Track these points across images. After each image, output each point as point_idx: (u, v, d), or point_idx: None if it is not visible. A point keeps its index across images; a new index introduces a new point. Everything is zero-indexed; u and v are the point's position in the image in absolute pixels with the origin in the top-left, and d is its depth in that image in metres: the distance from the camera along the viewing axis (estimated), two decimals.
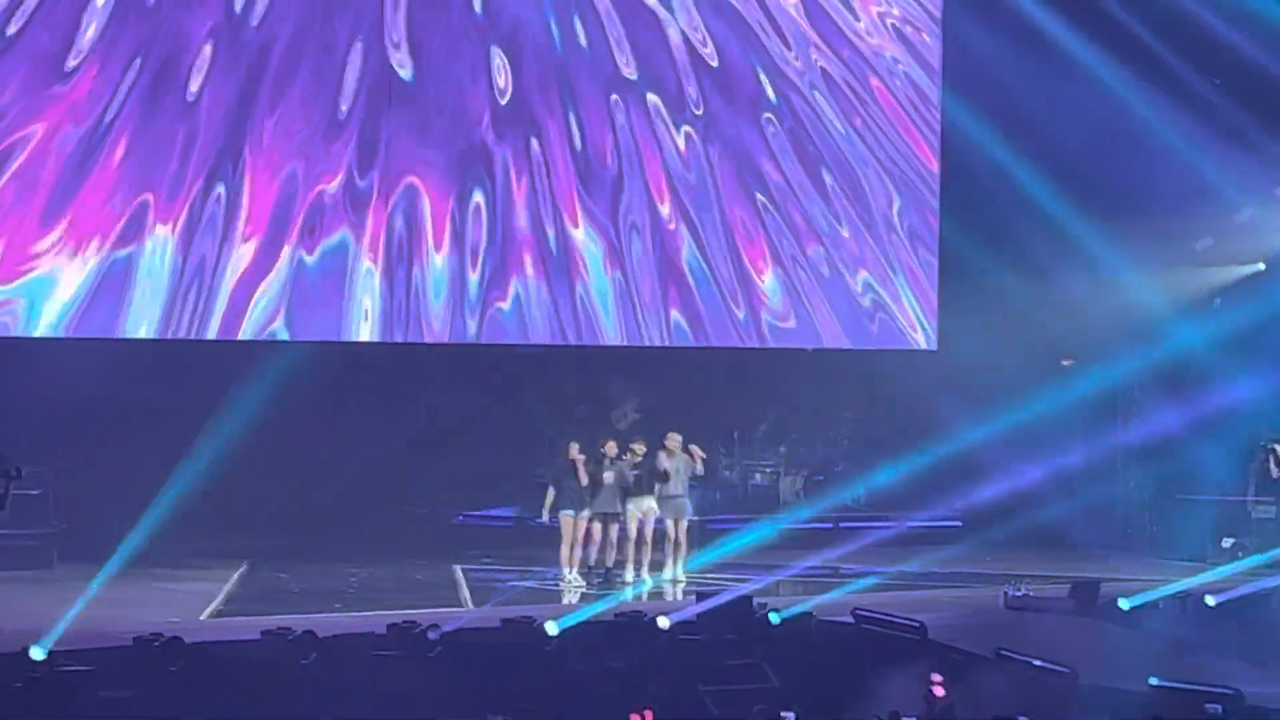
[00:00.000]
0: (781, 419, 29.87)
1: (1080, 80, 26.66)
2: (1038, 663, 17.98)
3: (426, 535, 24.80)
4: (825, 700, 17.24)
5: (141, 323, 24.42)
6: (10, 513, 23.09)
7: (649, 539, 23.64)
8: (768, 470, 29.88)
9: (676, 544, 23.79)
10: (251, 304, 24.83)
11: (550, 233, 26.11)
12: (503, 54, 25.88)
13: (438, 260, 25.61)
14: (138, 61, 24.35)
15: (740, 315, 26.96)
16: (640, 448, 23.63)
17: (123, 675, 17.27)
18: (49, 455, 24.27)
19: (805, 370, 28.62)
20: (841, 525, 27.19)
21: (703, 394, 27.54)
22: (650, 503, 23.55)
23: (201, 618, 20.38)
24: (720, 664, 19.38)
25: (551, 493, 23.34)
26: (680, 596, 22.64)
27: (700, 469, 24.03)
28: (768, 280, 27.10)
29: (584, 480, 23.20)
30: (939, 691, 15.70)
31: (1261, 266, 28.10)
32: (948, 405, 27.05)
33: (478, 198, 25.83)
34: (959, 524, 27.77)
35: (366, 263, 25.26)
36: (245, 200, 24.79)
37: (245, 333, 24.79)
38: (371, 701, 17.04)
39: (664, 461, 23.58)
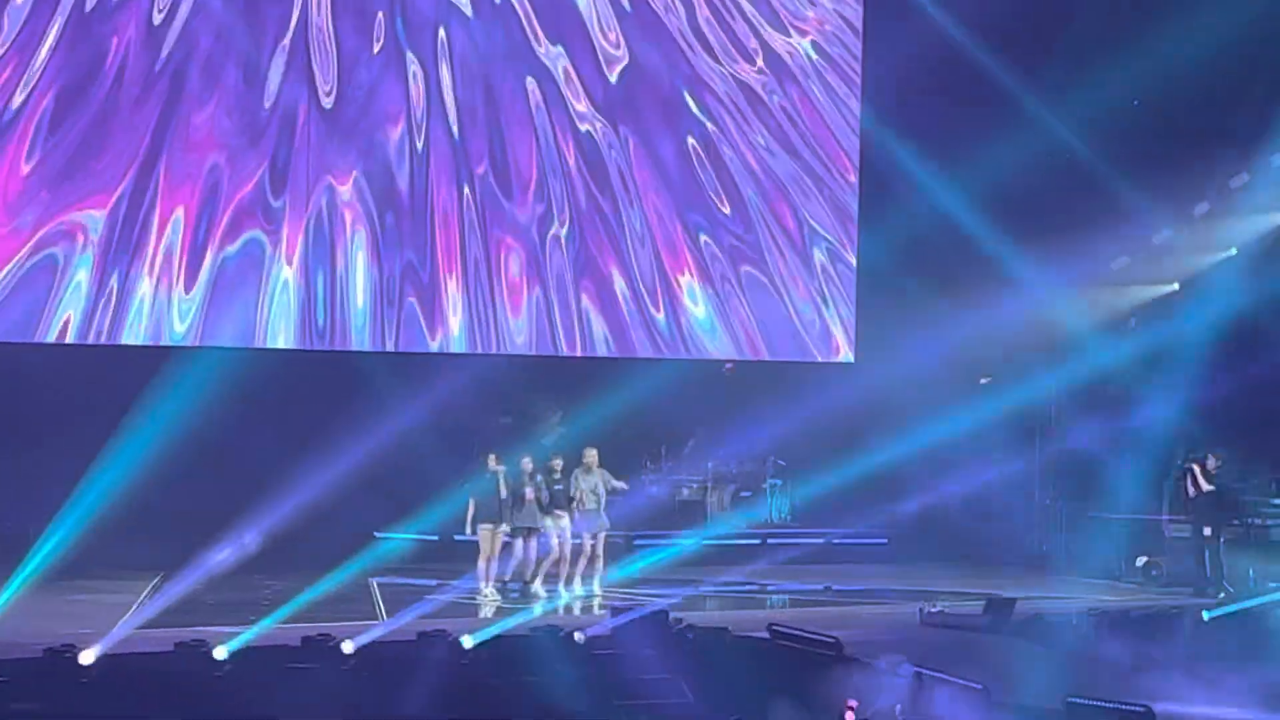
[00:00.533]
0: (708, 434, 29.86)
1: (1000, 99, 26.81)
2: (953, 679, 18.03)
3: (343, 547, 24.63)
4: (740, 715, 17.24)
5: (60, 326, 24.26)
6: None
7: (567, 554, 23.63)
8: (695, 485, 29.85)
9: (593, 559, 23.79)
10: (169, 308, 24.72)
11: (473, 240, 26.07)
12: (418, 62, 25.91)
13: (359, 266, 25.56)
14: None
15: (661, 325, 26.99)
16: (558, 463, 23.63)
17: (33, 688, 17.13)
18: None
19: (730, 385, 28.65)
20: (768, 541, 27.21)
21: (630, 408, 27.49)
22: (566, 519, 23.53)
23: (114, 629, 20.21)
24: (636, 678, 19.38)
25: (472, 506, 23.27)
26: (597, 611, 22.62)
27: (621, 484, 24.01)
28: (688, 291, 27.14)
29: (504, 494, 23.14)
30: (851, 709, 15.74)
31: (1176, 287, 28.31)
32: (867, 422, 27.15)
33: (401, 202, 25.85)
34: (884, 540, 27.84)
35: (285, 268, 25.16)
36: (162, 206, 24.68)
37: (162, 337, 24.68)
38: (285, 714, 16.94)
39: (581, 477, 23.57)
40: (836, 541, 27.73)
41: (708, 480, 29.69)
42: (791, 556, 26.91)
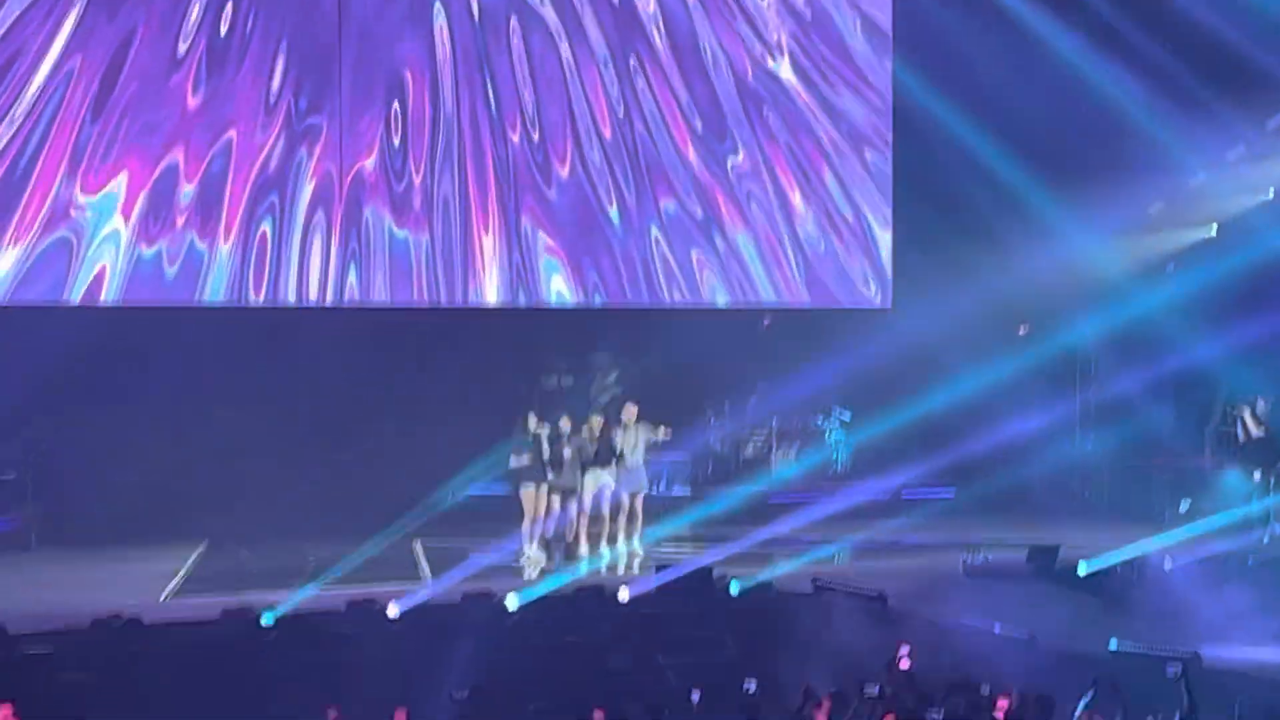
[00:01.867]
0: (771, 388, 29.61)
1: (1034, 44, 26.67)
2: (997, 628, 18.07)
3: (387, 511, 24.69)
4: (786, 670, 17.27)
5: (97, 287, 24.40)
6: None
7: (606, 513, 23.63)
8: (759, 440, 29.58)
9: (633, 517, 23.80)
10: (215, 271, 24.83)
11: (508, 191, 26.11)
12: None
13: (396, 225, 25.62)
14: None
15: (698, 273, 26.96)
16: (598, 421, 23.62)
17: (82, 657, 17.26)
18: (23, 436, 24.22)
19: (781, 337, 28.46)
20: (829, 495, 27.11)
21: (690, 362, 27.40)
22: (607, 476, 23.52)
23: (161, 598, 20.34)
24: (680, 636, 19.44)
25: (515, 464, 23.28)
26: (639, 569, 22.65)
27: (662, 436, 23.96)
28: (730, 239, 27.10)
29: (545, 453, 23.16)
30: (905, 664, 15.76)
31: (1213, 231, 28.18)
32: (906, 372, 27.10)
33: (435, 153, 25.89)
34: (950, 494, 27.70)
35: (312, 223, 25.28)
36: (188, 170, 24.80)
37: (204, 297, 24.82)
38: (332, 678, 17.04)
39: (620, 435, 23.56)
40: (905, 496, 27.63)
41: (772, 435, 29.40)
42: (845, 510, 26.89)
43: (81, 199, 24.31)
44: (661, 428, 23.80)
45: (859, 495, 26.76)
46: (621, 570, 22.81)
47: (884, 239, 27.78)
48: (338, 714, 14.27)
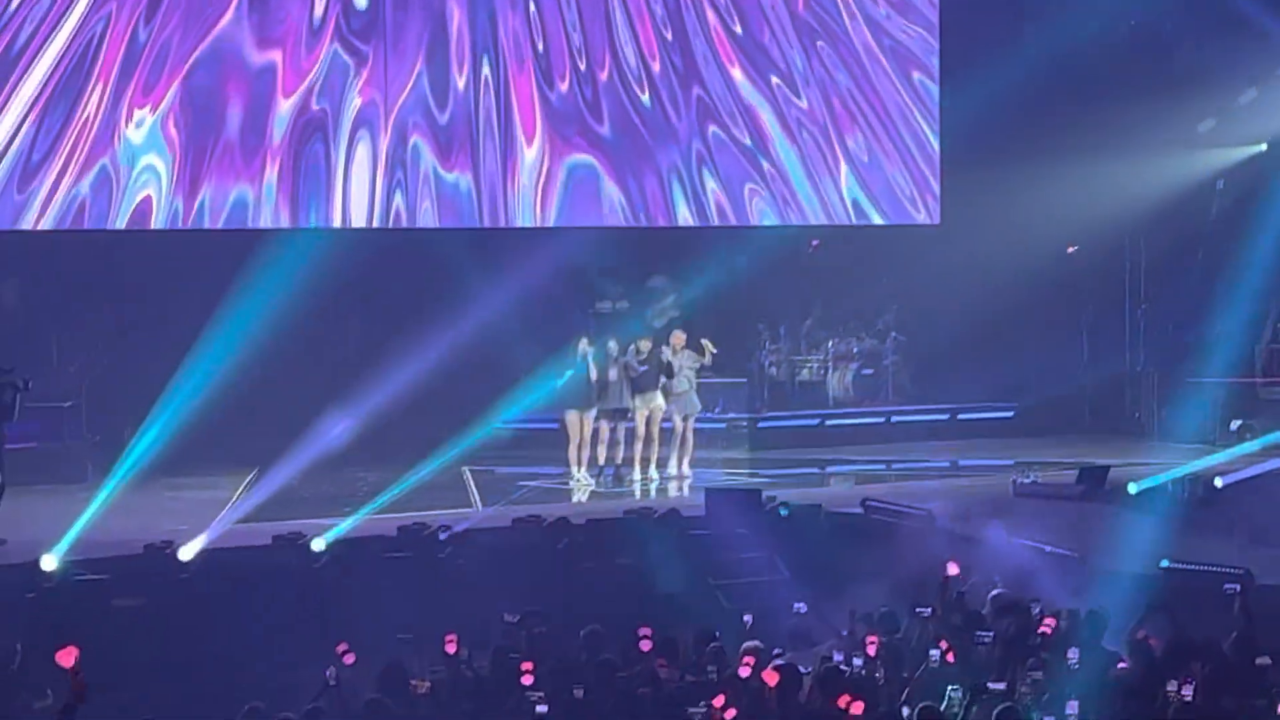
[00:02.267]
0: (827, 312, 29.46)
1: None
2: (1047, 548, 18.03)
3: (436, 436, 24.69)
4: (836, 592, 17.28)
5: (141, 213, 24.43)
6: (43, 425, 23.26)
7: (656, 436, 23.63)
8: (815, 365, 29.41)
9: (683, 441, 23.81)
10: (262, 195, 24.83)
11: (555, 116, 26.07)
12: None
13: (441, 150, 25.56)
14: None
15: (750, 196, 26.87)
16: (646, 344, 23.59)
17: (134, 583, 17.35)
18: (77, 364, 24.27)
19: (837, 257, 28.31)
20: (891, 419, 27.04)
21: (745, 285, 27.29)
22: (658, 399, 23.52)
23: (212, 524, 20.41)
24: (731, 558, 19.46)
25: (564, 389, 23.29)
26: (688, 492, 22.67)
27: (709, 359, 23.94)
28: (777, 158, 27.00)
29: (593, 376, 23.16)
30: (953, 569, 15.70)
31: (1264, 147, 27.97)
32: (956, 292, 27.01)
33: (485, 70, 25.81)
34: (1011, 412, 27.57)
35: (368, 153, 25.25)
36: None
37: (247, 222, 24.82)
38: (383, 604, 17.10)
39: (668, 356, 23.52)
40: (962, 417, 27.57)
41: (828, 359, 29.26)
42: (897, 431, 26.89)
43: (125, 127, 24.28)
44: (708, 352, 23.75)
45: (912, 416, 26.72)
46: (671, 494, 22.84)
47: (933, 158, 27.62)
48: (347, 648, 14.23)
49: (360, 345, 26.50)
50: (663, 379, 23.47)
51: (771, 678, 12.66)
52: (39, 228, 24.01)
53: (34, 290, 25.66)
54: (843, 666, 13.93)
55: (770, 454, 25.51)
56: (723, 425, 26.40)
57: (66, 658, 9.46)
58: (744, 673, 13.28)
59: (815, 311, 29.62)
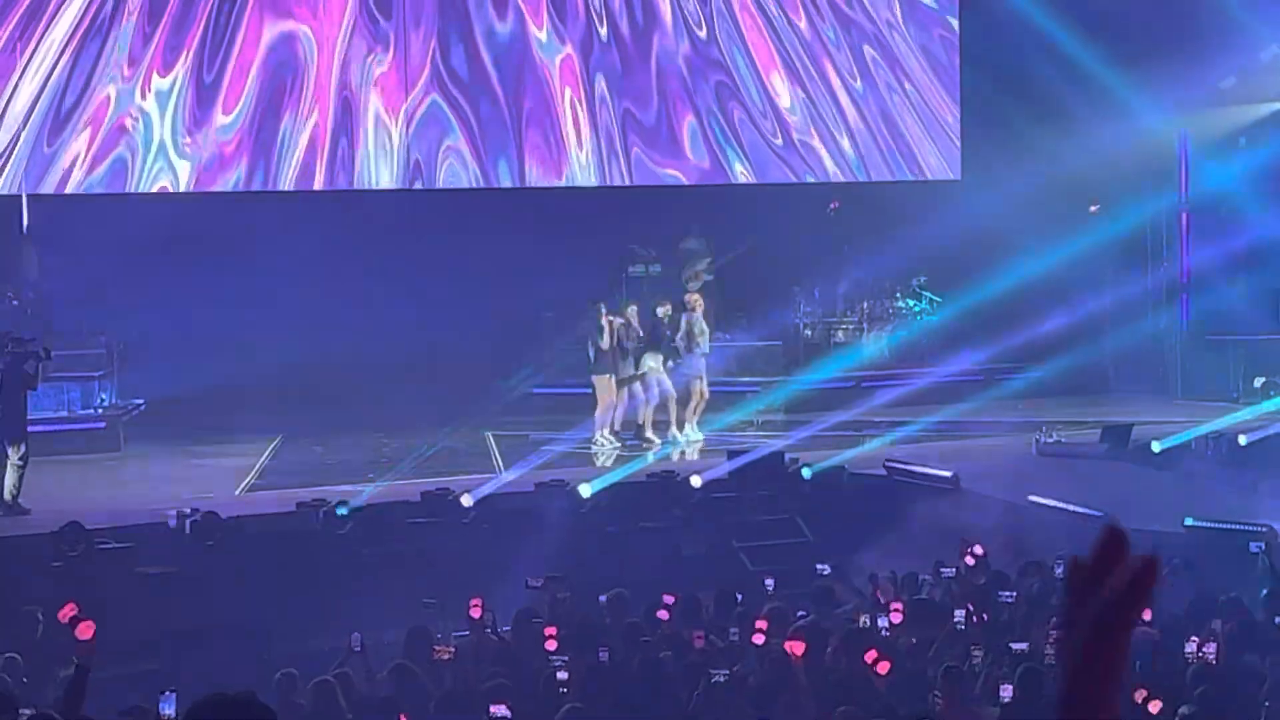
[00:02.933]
0: (860, 274, 29.25)
1: None
2: (1070, 508, 18.05)
3: (459, 401, 24.69)
4: (858, 553, 17.32)
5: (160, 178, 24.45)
6: (80, 394, 23.33)
7: (676, 399, 23.59)
8: (849, 326, 29.19)
9: (704, 403, 23.80)
10: (285, 159, 24.83)
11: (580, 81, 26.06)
12: None
13: (446, 119, 25.57)
14: None
15: (768, 152, 26.86)
16: (666, 308, 23.59)
17: (162, 550, 17.42)
18: (109, 334, 24.29)
19: (861, 218, 28.21)
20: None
21: (780, 249, 27.18)
22: (683, 363, 23.50)
23: (236, 492, 20.49)
24: (753, 520, 19.50)
25: (588, 353, 23.30)
26: (710, 456, 22.66)
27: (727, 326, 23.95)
28: (794, 115, 26.98)
29: (616, 341, 23.16)
30: (977, 547, 15.75)
31: None
32: (977, 253, 26.93)
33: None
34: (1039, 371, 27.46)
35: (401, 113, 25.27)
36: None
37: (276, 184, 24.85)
38: (407, 568, 17.17)
39: (686, 321, 23.51)
40: (983, 377, 27.47)
41: (862, 320, 29.05)
42: (919, 392, 26.79)
43: (146, 91, 24.28)
44: (728, 314, 23.81)
45: (937, 376, 26.65)
46: (693, 456, 22.85)
47: (953, 115, 27.58)
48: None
49: (383, 308, 26.37)
50: (684, 344, 23.43)
51: (797, 647, 12.60)
52: (66, 190, 24.07)
53: (59, 258, 25.61)
54: (866, 626, 13.98)
55: (798, 415, 25.44)
56: (756, 388, 26.34)
57: (85, 630, 9.54)
58: (758, 640, 13.31)
59: (846, 271, 29.48)
